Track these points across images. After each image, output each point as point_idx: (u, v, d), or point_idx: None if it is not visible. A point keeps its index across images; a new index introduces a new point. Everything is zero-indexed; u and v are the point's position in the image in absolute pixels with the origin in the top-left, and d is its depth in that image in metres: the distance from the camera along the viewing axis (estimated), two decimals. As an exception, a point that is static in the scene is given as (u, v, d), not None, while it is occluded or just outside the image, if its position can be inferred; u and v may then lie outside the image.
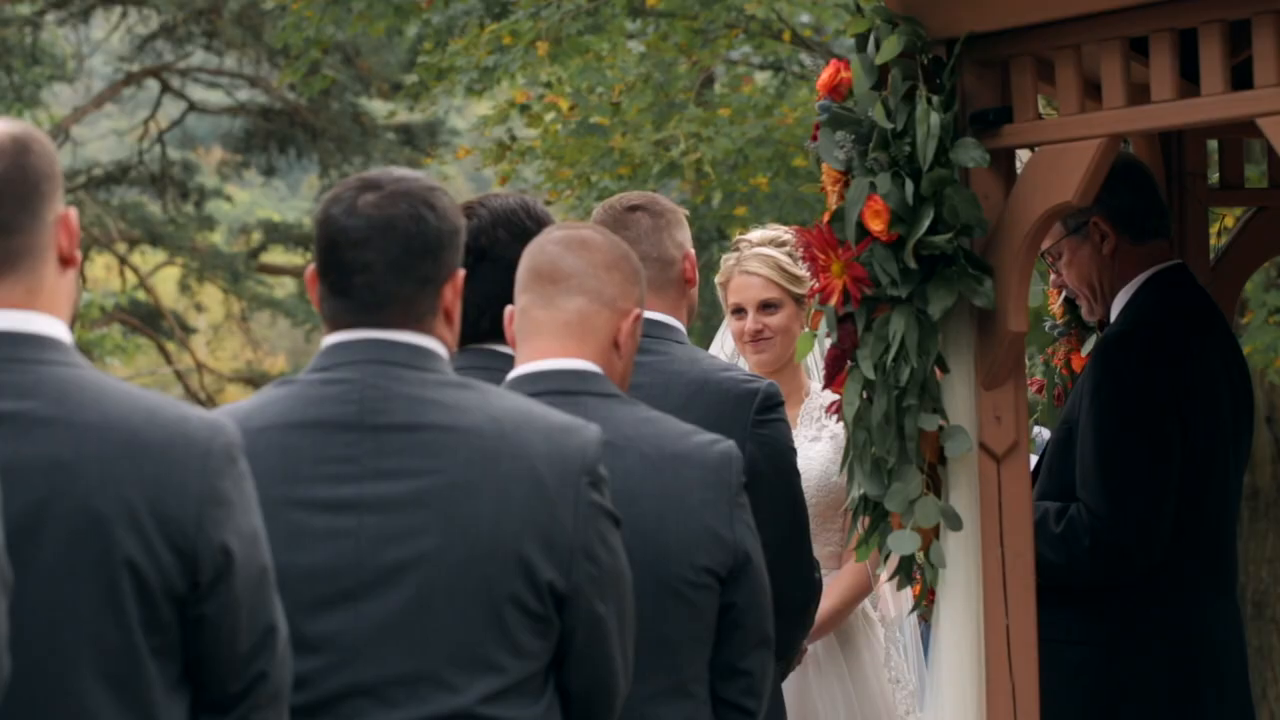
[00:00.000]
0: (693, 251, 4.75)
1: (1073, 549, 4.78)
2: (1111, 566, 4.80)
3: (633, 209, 4.69)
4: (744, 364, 5.69)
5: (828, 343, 4.57)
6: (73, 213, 3.12)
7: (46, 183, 3.07)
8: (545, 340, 3.81)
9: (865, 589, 5.67)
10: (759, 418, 4.60)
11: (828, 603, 5.47)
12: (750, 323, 5.66)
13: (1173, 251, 5.17)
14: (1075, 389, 5.02)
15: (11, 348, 3.02)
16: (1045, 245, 4.96)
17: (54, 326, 3.06)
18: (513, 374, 3.82)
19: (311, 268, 3.47)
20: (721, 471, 3.86)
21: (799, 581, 4.72)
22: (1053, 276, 5.17)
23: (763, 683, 3.92)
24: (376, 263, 3.39)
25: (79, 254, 3.14)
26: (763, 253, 5.66)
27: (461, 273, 3.48)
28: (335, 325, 3.44)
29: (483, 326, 4.22)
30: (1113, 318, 5.03)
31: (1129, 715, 4.86)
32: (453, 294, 3.46)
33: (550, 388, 3.72)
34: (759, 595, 3.89)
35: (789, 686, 5.15)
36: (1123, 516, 4.76)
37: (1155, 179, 5.13)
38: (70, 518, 2.95)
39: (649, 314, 4.65)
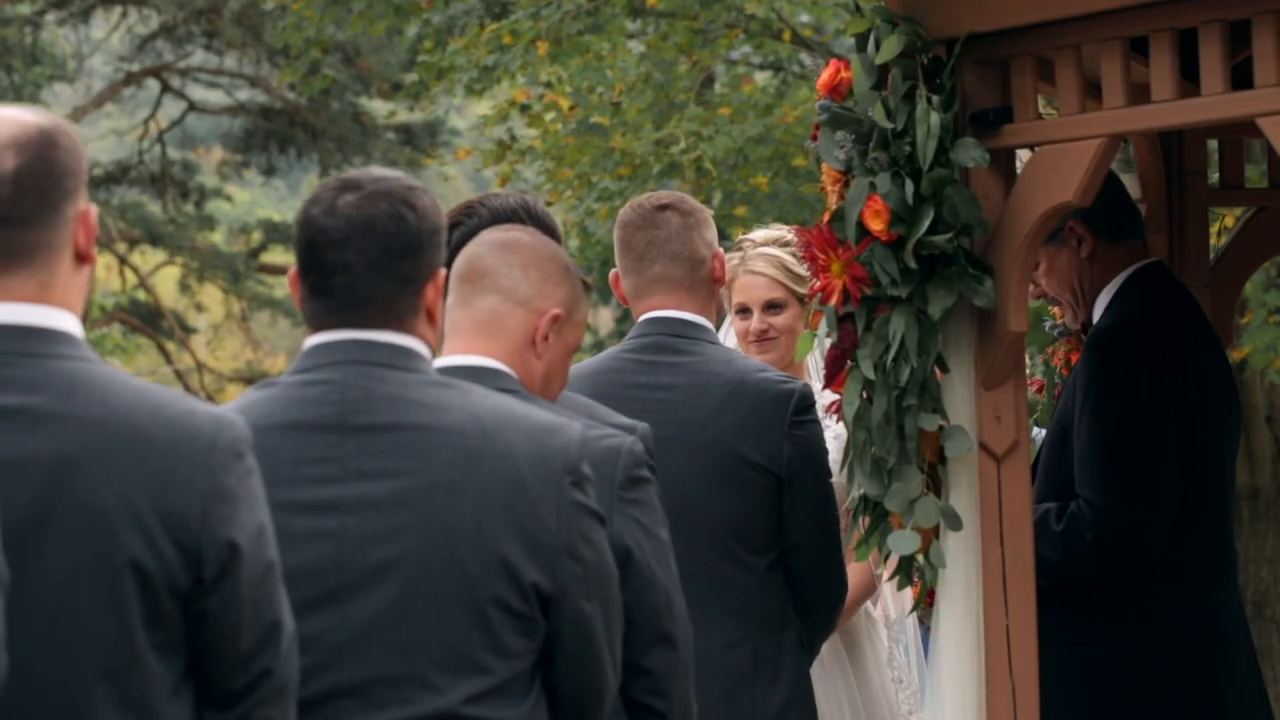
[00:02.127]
0: (722, 251, 4.75)
1: (1074, 545, 4.78)
2: (1114, 561, 4.80)
3: (662, 208, 4.70)
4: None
5: (828, 342, 4.58)
6: (93, 209, 3.11)
7: (70, 179, 3.06)
8: (460, 339, 3.78)
9: (870, 588, 5.68)
10: (795, 419, 4.63)
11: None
12: (755, 322, 5.66)
13: (1151, 249, 5.18)
14: (1067, 387, 5.02)
15: (21, 341, 3.02)
16: None
17: (66, 321, 3.06)
18: None
19: (294, 268, 3.47)
20: (603, 466, 3.81)
21: (831, 582, 4.73)
22: (1031, 287, 5.15)
23: (668, 682, 3.84)
24: (356, 263, 3.38)
25: (95, 251, 3.13)
26: (768, 253, 5.66)
27: (443, 272, 3.47)
28: (316, 326, 3.43)
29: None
30: (1095, 318, 5.04)
31: (1142, 714, 4.85)
32: (434, 293, 3.45)
33: None
34: (646, 592, 3.82)
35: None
36: (1123, 509, 4.76)
37: (1121, 181, 5.13)
38: (74, 514, 2.96)
39: (681, 314, 4.66)
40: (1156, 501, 4.79)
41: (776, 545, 4.66)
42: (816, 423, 4.68)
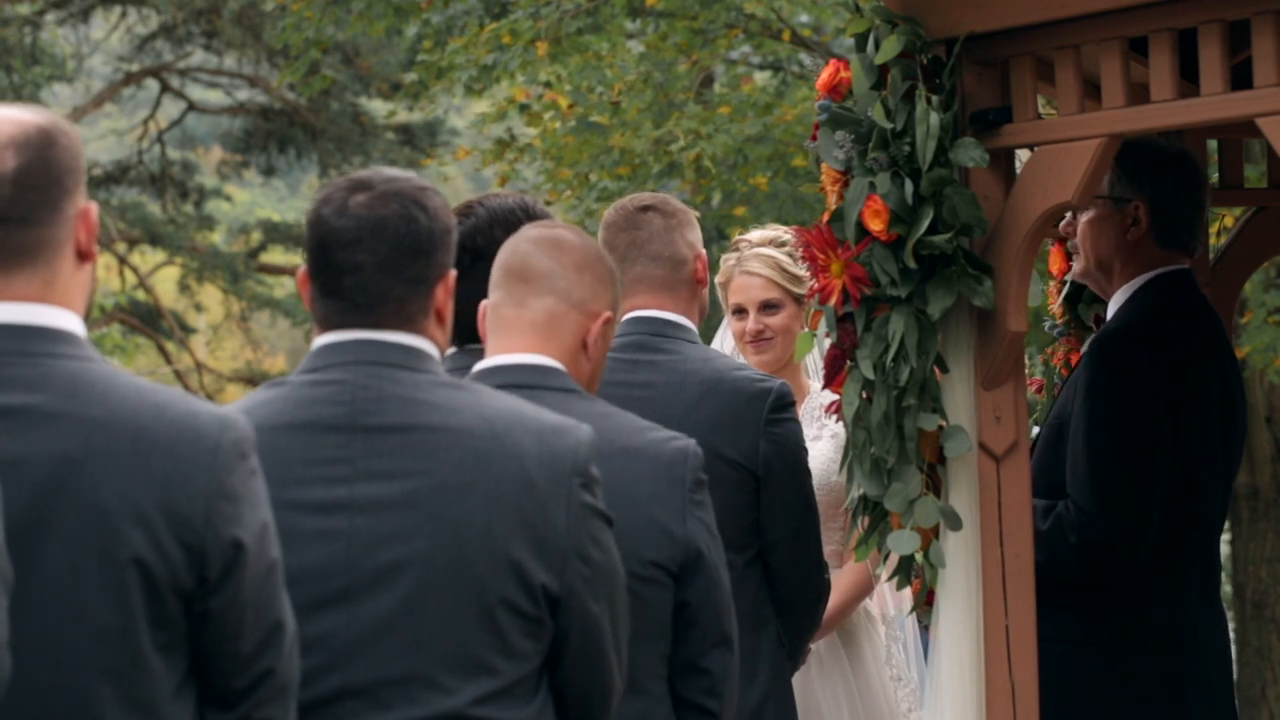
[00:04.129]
0: (704, 252, 4.77)
1: (1058, 546, 4.77)
2: (1097, 565, 4.79)
3: (645, 209, 4.71)
4: (744, 364, 5.69)
5: (827, 342, 4.58)
6: (93, 207, 3.12)
7: (69, 177, 3.07)
8: (512, 338, 3.82)
9: (867, 587, 5.68)
10: (771, 417, 4.62)
11: (830, 600, 5.48)
12: (751, 323, 5.67)
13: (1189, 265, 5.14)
14: (1067, 386, 5.01)
15: (23, 341, 3.02)
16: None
17: (67, 320, 3.07)
18: (475, 369, 3.83)
19: (303, 268, 3.46)
20: (674, 467, 3.86)
21: (810, 580, 4.73)
22: (1064, 223, 5.08)
23: (724, 683, 3.90)
24: (368, 263, 3.38)
25: (97, 248, 3.14)
26: (763, 253, 5.67)
27: (454, 273, 3.48)
28: (327, 326, 3.43)
29: (477, 327, 4.22)
30: (1109, 315, 5.02)
31: (1106, 713, 4.85)
32: (445, 294, 3.46)
33: (507, 381, 3.72)
34: (713, 593, 3.88)
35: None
36: (1110, 515, 4.75)
37: (1205, 202, 5.06)
38: (78, 514, 2.96)
39: (662, 314, 4.67)
40: (1144, 512, 4.77)
41: (754, 543, 4.67)
42: (794, 421, 4.69)
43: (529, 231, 3.92)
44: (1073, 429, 4.83)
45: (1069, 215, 5.05)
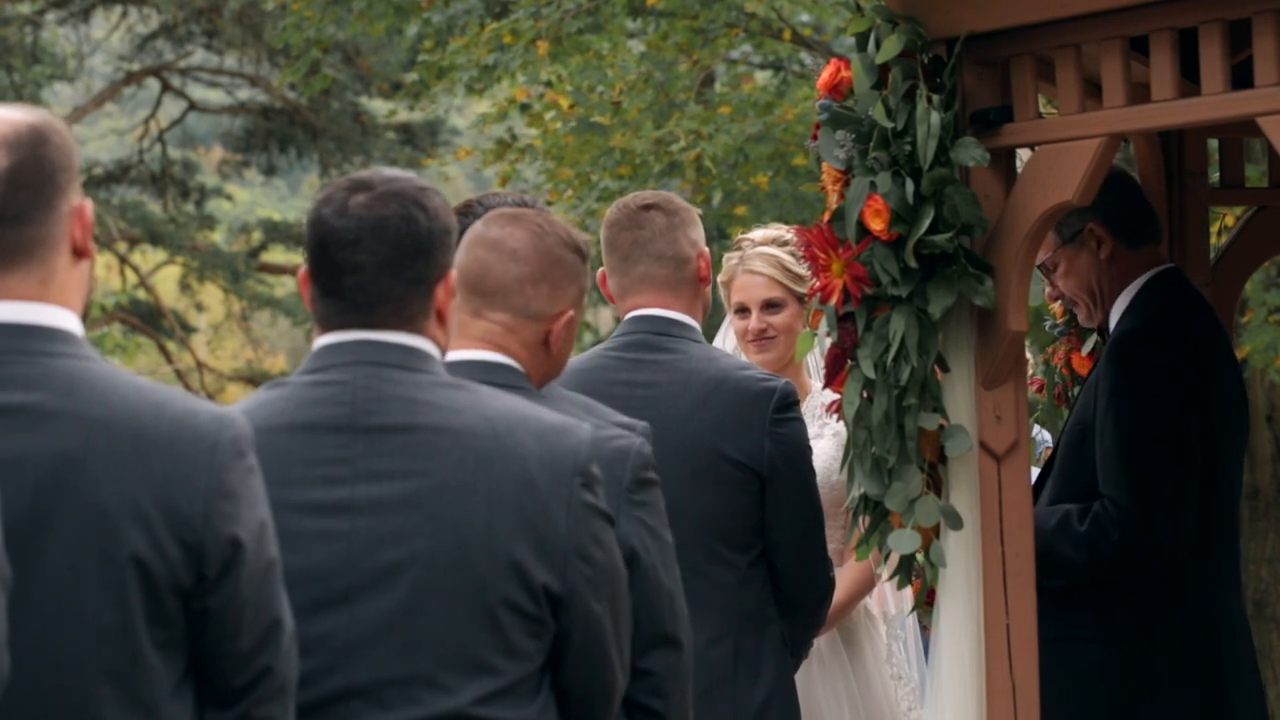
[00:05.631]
0: (707, 250, 4.76)
1: (1100, 546, 4.77)
2: (1141, 562, 4.79)
3: (647, 208, 4.71)
4: (745, 363, 5.69)
5: (828, 342, 4.58)
6: (88, 204, 3.12)
7: (62, 174, 3.07)
8: (467, 342, 3.81)
9: (869, 585, 5.68)
10: (776, 416, 4.63)
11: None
12: (754, 322, 5.67)
13: (1167, 255, 5.19)
14: (1086, 390, 5.01)
15: (21, 339, 3.02)
16: (1039, 258, 4.97)
17: (65, 318, 3.07)
18: None
19: (304, 268, 3.46)
20: (613, 467, 3.82)
21: (814, 578, 4.73)
22: (1048, 289, 5.18)
23: (668, 683, 3.84)
24: (368, 263, 3.38)
25: (93, 246, 3.14)
26: (766, 252, 5.67)
27: (454, 273, 3.48)
28: (327, 326, 3.43)
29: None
30: (1112, 322, 5.03)
31: (1148, 714, 4.85)
32: (445, 294, 3.45)
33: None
34: (651, 594, 3.83)
35: (791, 683, 5.16)
36: (1151, 511, 4.75)
37: (1140, 184, 5.14)
38: (77, 512, 2.96)
39: (666, 312, 4.67)
40: (1182, 502, 4.79)
41: (759, 543, 4.67)
42: (798, 420, 4.68)
43: (488, 231, 3.86)
44: (1099, 432, 4.84)
45: (1047, 287, 5.11)
